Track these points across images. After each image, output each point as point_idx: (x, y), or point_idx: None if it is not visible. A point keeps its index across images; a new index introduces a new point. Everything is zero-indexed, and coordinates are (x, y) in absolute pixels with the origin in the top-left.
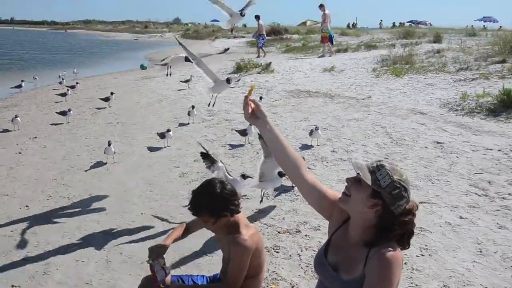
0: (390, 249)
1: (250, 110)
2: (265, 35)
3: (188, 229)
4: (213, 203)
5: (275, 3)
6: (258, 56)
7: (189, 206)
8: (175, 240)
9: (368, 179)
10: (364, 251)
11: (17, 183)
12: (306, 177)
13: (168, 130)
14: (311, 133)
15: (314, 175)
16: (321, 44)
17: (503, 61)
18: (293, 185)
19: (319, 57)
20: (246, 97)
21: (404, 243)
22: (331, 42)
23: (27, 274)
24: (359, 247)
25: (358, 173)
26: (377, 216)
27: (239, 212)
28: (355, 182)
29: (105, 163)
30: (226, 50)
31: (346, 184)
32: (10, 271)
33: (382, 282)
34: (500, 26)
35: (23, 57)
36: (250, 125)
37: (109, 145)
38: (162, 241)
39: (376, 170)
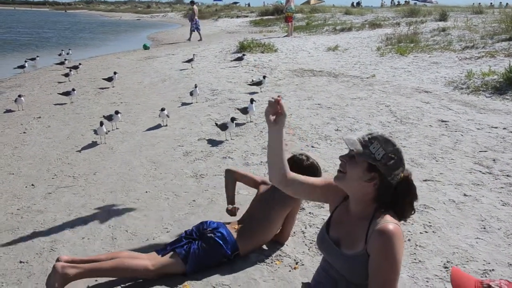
0: (389, 224)
1: (273, 116)
2: (198, 20)
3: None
4: None
5: None
6: (189, 39)
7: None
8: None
9: (362, 154)
10: (364, 225)
11: (22, 162)
12: (296, 179)
13: (162, 109)
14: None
15: (295, 174)
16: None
17: (510, 39)
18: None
19: (284, 36)
20: (277, 100)
21: (406, 213)
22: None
23: (35, 250)
24: (360, 222)
25: (351, 150)
26: (375, 189)
27: None
28: (349, 159)
29: (110, 142)
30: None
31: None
32: (18, 247)
33: (387, 259)
34: (507, 3)
35: (24, 38)
36: (251, 102)
37: (101, 125)
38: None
39: (369, 143)
